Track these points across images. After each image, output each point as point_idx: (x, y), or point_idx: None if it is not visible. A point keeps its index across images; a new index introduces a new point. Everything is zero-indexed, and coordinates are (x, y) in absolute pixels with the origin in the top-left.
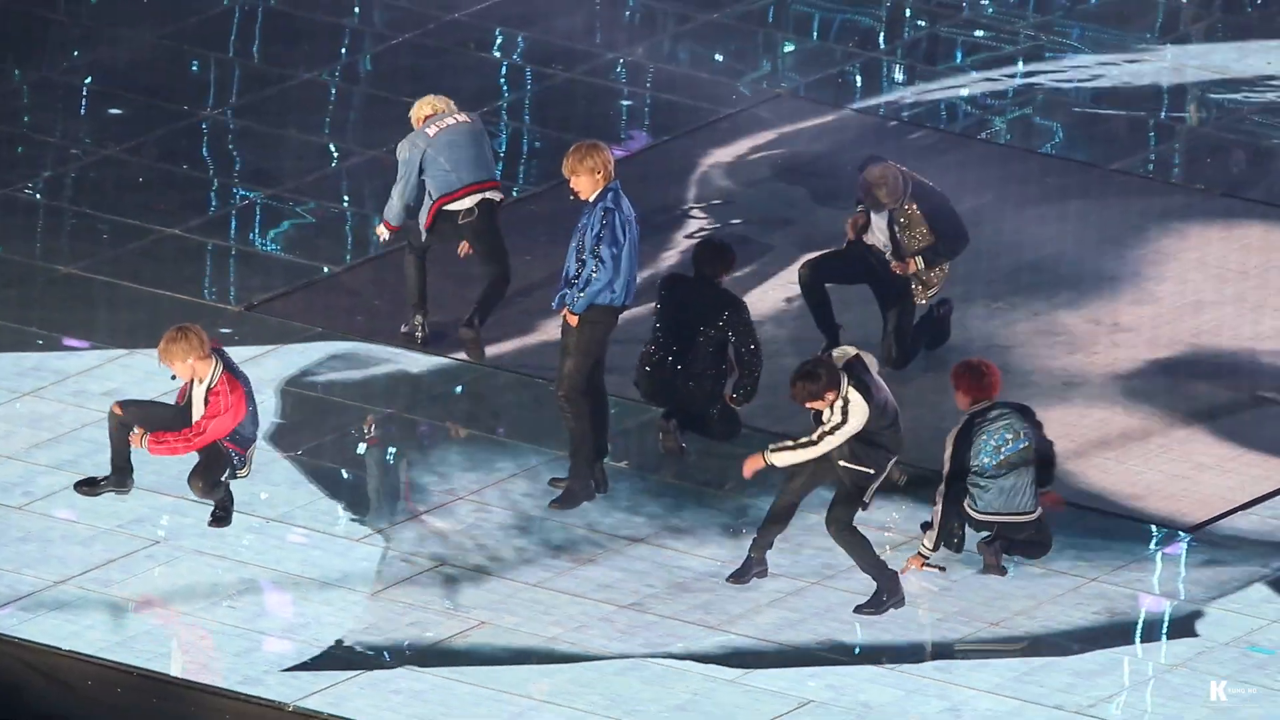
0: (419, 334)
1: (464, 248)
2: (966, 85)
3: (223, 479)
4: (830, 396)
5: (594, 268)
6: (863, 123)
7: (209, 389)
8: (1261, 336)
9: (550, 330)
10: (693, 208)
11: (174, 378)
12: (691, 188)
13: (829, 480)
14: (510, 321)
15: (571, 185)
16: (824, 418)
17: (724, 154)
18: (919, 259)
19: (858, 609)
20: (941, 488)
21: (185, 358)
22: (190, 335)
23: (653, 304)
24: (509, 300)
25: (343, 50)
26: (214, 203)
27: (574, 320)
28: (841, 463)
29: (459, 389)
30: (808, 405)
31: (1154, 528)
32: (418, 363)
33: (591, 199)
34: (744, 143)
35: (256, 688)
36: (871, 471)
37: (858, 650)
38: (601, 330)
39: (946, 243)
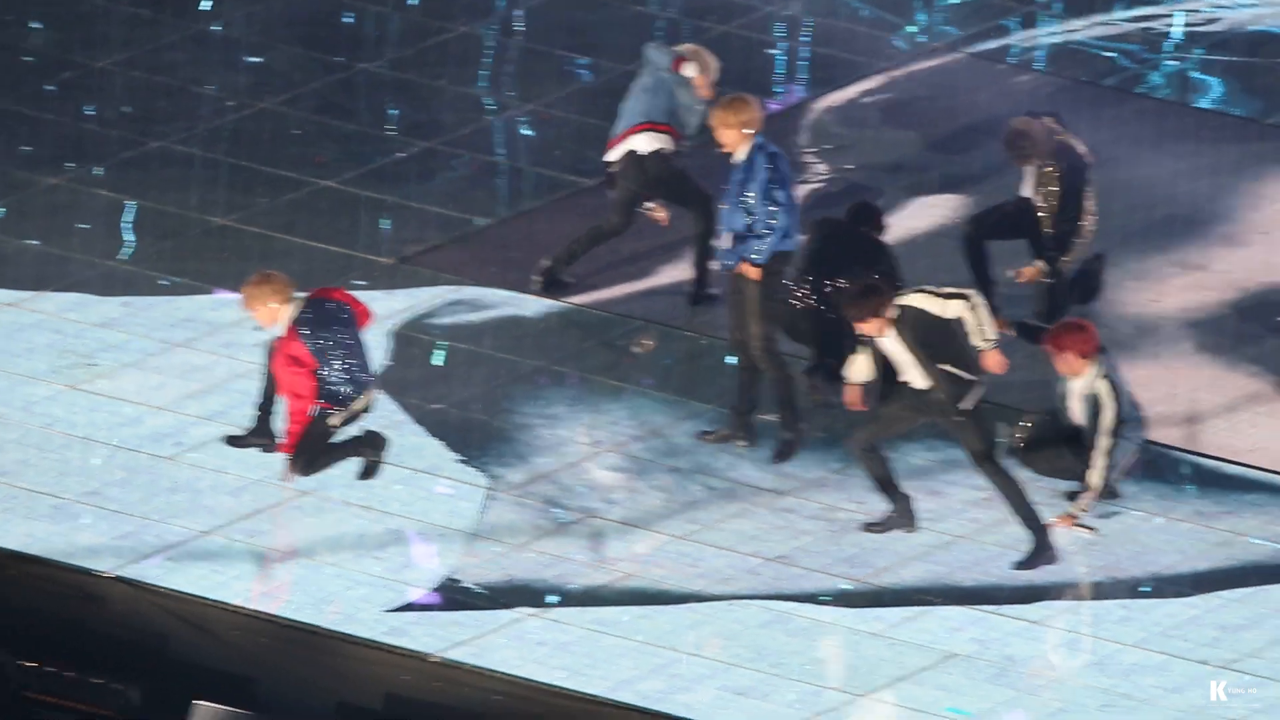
0: (536, 279)
1: (655, 214)
2: (1122, 38)
3: (320, 455)
4: (886, 311)
5: (770, 213)
6: (1005, 72)
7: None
8: None
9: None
10: (805, 153)
11: (257, 328)
12: (804, 133)
13: (894, 431)
14: (648, 268)
15: (719, 138)
16: (951, 312)
17: (837, 98)
18: (1040, 263)
19: (1016, 565)
20: (1104, 448)
21: (266, 301)
22: (274, 279)
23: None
24: (646, 246)
25: (500, 3)
26: (369, 155)
27: (756, 273)
28: (933, 382)
29: (607, 343)
30: (865, 325)
31: None
32: (566, 317)
33: (742, 153)
34: (855, 87)
35: (401, 638)
36: (976, 377)
37: (1002, 604)
38: (779, 280)
39: (1060, 230)
